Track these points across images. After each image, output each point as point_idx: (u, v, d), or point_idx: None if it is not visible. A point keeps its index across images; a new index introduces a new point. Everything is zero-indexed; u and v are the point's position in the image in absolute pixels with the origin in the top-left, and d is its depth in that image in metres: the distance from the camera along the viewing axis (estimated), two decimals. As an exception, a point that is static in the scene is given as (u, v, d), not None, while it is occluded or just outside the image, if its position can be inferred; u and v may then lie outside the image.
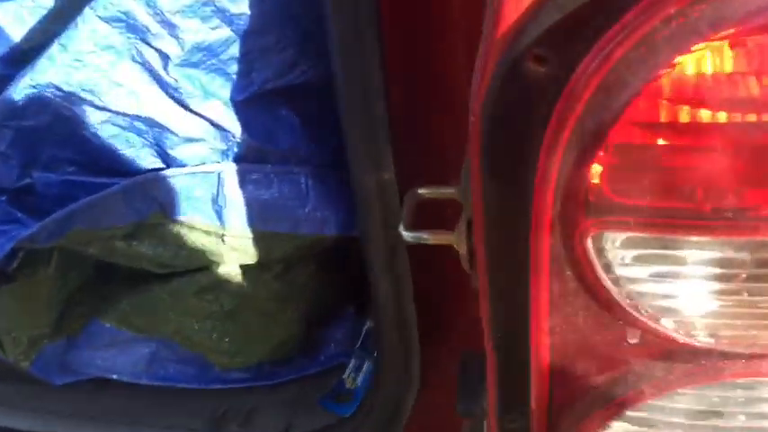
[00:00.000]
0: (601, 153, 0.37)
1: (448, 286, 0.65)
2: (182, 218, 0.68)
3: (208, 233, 0.68)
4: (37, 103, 0.60)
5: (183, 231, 0.69)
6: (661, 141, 0.35)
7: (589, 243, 0.40)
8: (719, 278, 0.39)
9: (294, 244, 0.69)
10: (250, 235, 0.68)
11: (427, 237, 0.53)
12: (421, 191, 0.55)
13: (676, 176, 0.36)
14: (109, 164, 0.66)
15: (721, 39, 0.32)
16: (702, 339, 0.42)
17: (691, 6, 0.32)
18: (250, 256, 0.70)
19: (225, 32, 0.58)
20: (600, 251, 0.40)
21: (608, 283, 0.41)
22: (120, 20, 0.57)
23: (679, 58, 0.33)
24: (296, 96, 0.64)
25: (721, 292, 0.39)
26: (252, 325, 0.77)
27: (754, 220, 0.36)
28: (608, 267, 0.40)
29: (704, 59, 0.33)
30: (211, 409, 0.82)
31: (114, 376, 0.79)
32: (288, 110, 0.65)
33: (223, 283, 0.73)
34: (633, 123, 0.35)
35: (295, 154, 0.66)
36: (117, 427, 0.82)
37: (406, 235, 0.53)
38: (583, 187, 0.38)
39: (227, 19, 0.58)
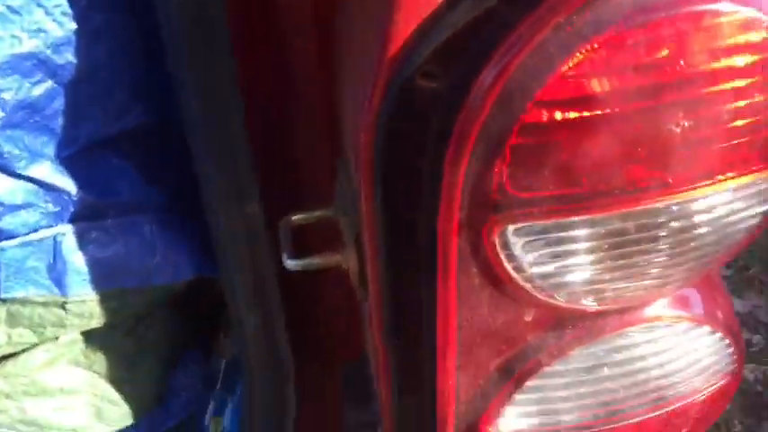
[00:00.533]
0: (503, 156, 0.40)
1: (319, 308, 0.65)
2: (13, 294, 0.60)
3: (46, 304, 0.62)
4: None
5: (14, 309, 0.61)
6: (555, 139, 0.39)
7: (496, 238, 0.43)
8: (608, 248, 0.44)
9: (146, 298, 0.65)
10: (96, 297, 0.63)
11: (316, 262, 0.53)
12: (294, 217, 0.55)
13: (568, 167, 0.40)
14: None
15: (603, 40, 0.36)
16: (589, 304, 0.48)
17: (576, 14, 0.36)
18: (97, 319, 0.65)
19: (48, 85, 0.53)
20: (505, 244, 0.43)
21: (512, 272, 0.45)
22: None
23: (569, 62, 0.37)
24: (129, 143, 0.60)
25: (608, 260, 0.45)
26: (101, 394, 0.71)
27: (634, 192, 0.41)
28: (511, 257, 0.44)
29: (589, 61, 0.38)
30: None
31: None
32: (122, 158, 0.60)
33: (67, 351, 0.66)
34: (530, 125, 0.39)
35: (135, 204, 0.62)
36: None
37: (292, 264, 0.53)
38: (489, 188, 0.41)
39: (50, 71, 0.53)
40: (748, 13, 0.38)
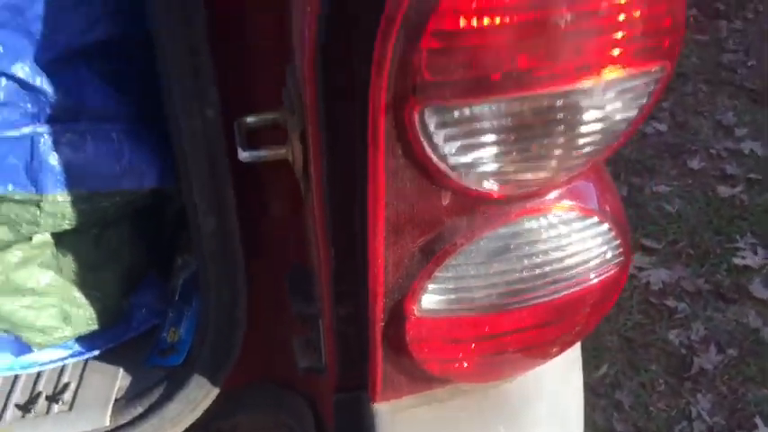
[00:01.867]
0: (421, 43, 0.48)
1: (270, 217, 0.73)
2: None
3: (22, 203, 0.68)
4: None
5: None
6: (462, 30, 0.48)
7: (416, 117, 0.51)
8: (507, 132, 0.52)
9: (113, 202, 0.72)
10: (69, 198, 0.70)
11: (264, 154, 0.61)
12: (248, 119, 0.63)
13: (473, 56, 0.49)
14: None
15: None
16: (493, 188, 0.56)
17: None
18: (68, 220, 0.71)
19: None
20: (423, 124, 0.52)
21: (428, 150, 0.53)
22: None
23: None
24: (101, 54, 0.67)
25: (508, 143, 0.53)
26: (69, 297, 0.77)
27: (528, 80, 0.50)
28: (429, 138, 0.52)
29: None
30: (17, 392, 0.80)
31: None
32: (95, 68, 0.67)
33: (39, 253, 0.73)
34: (444, 13, 0.47)
35: (106, 111, 0.69)
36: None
37: (245, 155, 0.61)
38: (410, 71, 0.49)
39: None
40: None
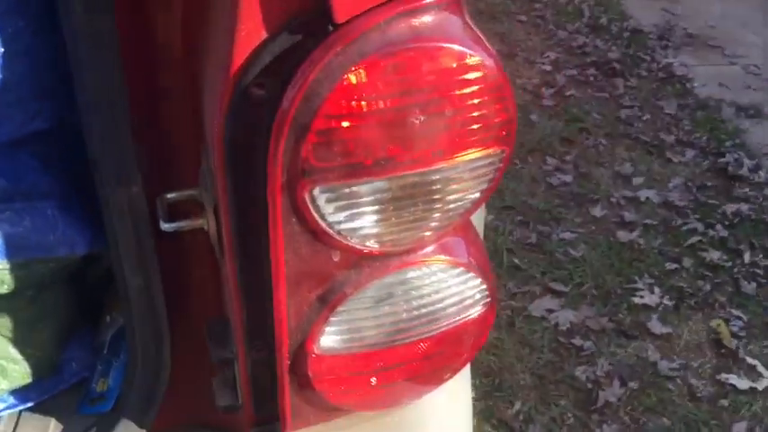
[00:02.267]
0: (307, 138, 0.62)
1: (189, 277, 0.85)
2: None
3: None
4: None
5: None
6: (339, 127, 0.61)
7: (306, 196, 0.65)
8: (383, 203, 0.66)
9: (48, 267, 0.82)
10: (8, 265, 0.80)
11: (183, 224, 0.73)
12: (168, 195, 0.75)
13: (349, 147, 0.62)
14: None
15: (366, 62, 0.59)
16: (374, 246, 0.70)
17: (348, 46, 0.59)
18: (7, 285, 0.81)
19: None
20: (313, 200, 0.65)
21: (319, 221, 0.66)
22: None
23: (349, 76, 0.59)
24: (37, 141, 0.78)
25: (385, 212, 0.67)
26: (5, 354, 0.87)
27: (394, 164, 0.64)
28: (318, 210, 0.66)
29: (360, 76, 0.60)
30: None
31: None
32: (30, 153, 0.78)
33: None
34: (324, 116, 0.61)
35: (39, 190, 0.80)
36: None
37: (167, 226, 0.73)
38: (299, 160, 0.62)
39: None
40: (458, 48, 0.62)
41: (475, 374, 2.16)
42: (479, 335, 0.81)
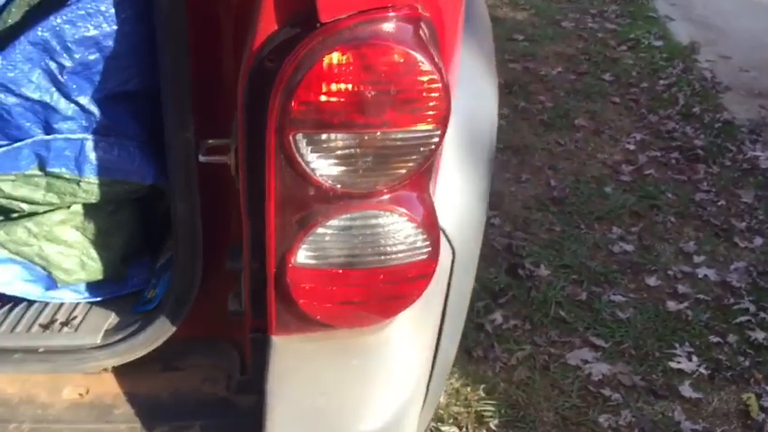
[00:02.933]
0: (294, 97, 0.93)
1: (218, 209, 1.17)
2: (53, 169, 1.13)
3: (69, 180, 1.13)
4: None
5: (51, 179, 1.13)
6: (318, 91, 0.92)
7: (291, 139, 0.95)
8: (344, 153, 0.95)
9: (124, 189, 1.17)
10: (97, 181, 1.15)
11: (214, 159, 1.05)
12: (210, 141, 1.08)
13: (323, 106, 0.93)
14: (10, 132, 1.09)
15: (338, 50, 0.90)
16: (338, 187, 0.98)
17: (326, 38, 0.90)
18: (95, 196, 1.16)
19: (97, 56, 1.08)
20: (295, 143, 0.95)
21: (300, 161, 0.96)
22: (38, 43, 1.04)
23: (325, 59, 0.90)
24: (130, 98, 1.14)
25: (347, 162, 0.96)
26: (88, 250, 1.21)
27: (354, 125, 0.94)
28: (299, 151, 0.96)
29: (333, 59, 0.91)
30: (43, 315, 1.23)
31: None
32: (125, 105, 1.14)
33: (74, 217, 1.18)
34: (305, 84, 0.92)
35: (127, 132, 1.15)
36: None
37: (202, 159, 1.05)
38: (288, 111, 0.93)
39: (99, 47, 1.07)
40: (403, 48, 0.92)
41: (501, 405, 2.37)
42: (422, 277, 1.08)
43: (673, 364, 2.56)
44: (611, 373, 2.52)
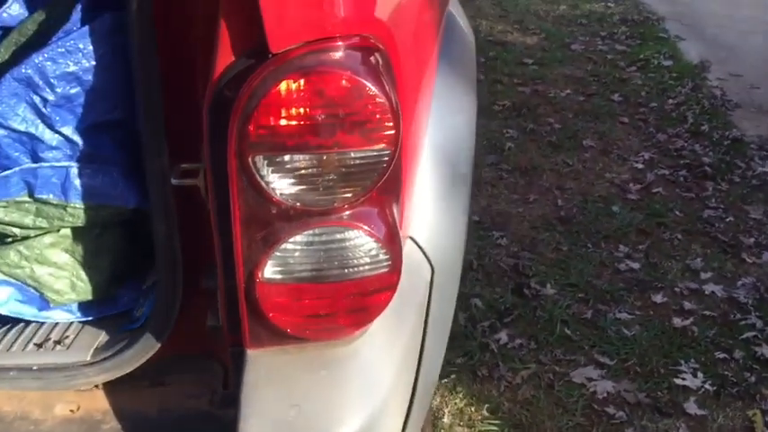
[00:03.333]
0: (251, 122, 1.00)
1: (196, 230, 1.24)
2: (40, 196, 1.21)
3: (56, 206, 1.22)
4: None
5: (39, 205, 1.22)
6: (271, 116, 0.99)
7: (250, 161, 1.02)
8: (300, 173, 1.02)
9: (107, 212, 1.25)
10: (82, 206, 1.23)
11: (186, 181, 1.12)
12: (183, 165, 1.15)
13: (278, 130, 1.00)
14: (1, 160, 1.18)
15: (288, 78, 0.97)
16: (297, 205, 1.05)
17: (278, 67, 0.97)
18: (81, 220, 1.24)
19: (78, 89, 1.17)
20: (254, 165, 1.02)
21: (260, 181, 1.03)
22: (22, 79, 1.13)
23: (277, 87, 0.98)
24: (112, 126, 1.22)
25: (306, 181, 1.03)
26: (78, 272, 1.29)
27: (308, 146, 1.01)
28: (258, 172, 1.03)
29: (285, 86, 0.98)
30: (38, 335, 1.31)
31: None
32: (107, 133, 1.23)
33: (63, 240, 1.26)
34: (259, 110, 0.99)
35: (110, 159, 1.23)
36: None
37: (175, 182, 1.13)
38: (246, 135, 1.00)
39: (80, 81, 1.16)
40: (350, 74, 0.99)
41: (505, 424, 2.40)
42: (385, 289, 1.13)
43: (678, 381, 2.56)
44: (616, 391, 2.53)
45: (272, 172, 1.02)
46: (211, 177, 1.07)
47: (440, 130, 1.50)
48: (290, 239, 1.08)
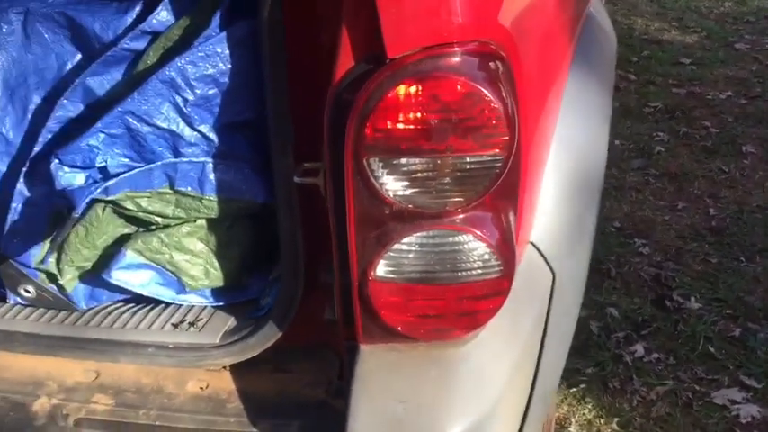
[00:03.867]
0: (368, 124, 1.04)
1: (318, 226, 1.29)
2: (180, 188, 1.32)
3: (193, 197, 1.32)
4: (118, 123, 1.25)
5: (179, 196, 1.32)
6: (387, 120, 1.02)
7: (365, 162, 1.06)
8: (414, 176, 1.05)
9: (238, 205, 1.34)
10: (216, 199, 1.32)
11: (308, 180, 1.18)
12: (306, 164, 1.21)
13: (393, 133, 1.03)
14: (145, 155, 1.30)
15: (409, 83, 1.00)
16: (410, 207, 1.08)
17: (394, 72, 1.00)
18: (215, 212, 1.34)
19: (215, 91, 1.26)
20: (369, 166, 1.06)
21: (374, 182, 1.07)
22: (166, 81, 1.24)
23: (393, 91, 1.01)
24: (245, 126, 1.31)
25: (419, 184, 1.05)
26: (211, 260, 1.39)
27: (421, 150, 1.03)
28: (373, 174, 1.06)
29: (401, 91, 1.01)
30: (175, 316, 1.42)
31: (127, 287, 1.38)
32: (240, 132, 1.31)
33: (199, 230, 1.36)
34: (375, 113, 1.02)
35: (242, 156, 1.32)
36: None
37: (298, 180, 1.19)
38: (363, 137, 1.04)
39: (217, 84, 1.25)
40: (464, 80, 1.00)
41: (638, 438, 2.31)
42: (495, 295, 1.14)
43: (834, 412, 2.37)
44: (762, 416, 2.38)
45: (387, 174, 1.05)
46: (330, 177, 1.12)
47: (568, 135, 1.48)
48: (403, 240, 1.11)
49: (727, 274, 2.93)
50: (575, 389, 2.46)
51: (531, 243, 1.42)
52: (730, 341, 2.63)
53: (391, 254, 1.12)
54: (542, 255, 1.43)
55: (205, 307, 1.44)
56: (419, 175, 1.05)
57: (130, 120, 1.25)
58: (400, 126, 1.02)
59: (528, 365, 1.37)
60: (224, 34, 1.22)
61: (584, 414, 2.41)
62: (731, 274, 2.93)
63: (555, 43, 1.50)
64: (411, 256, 1.12)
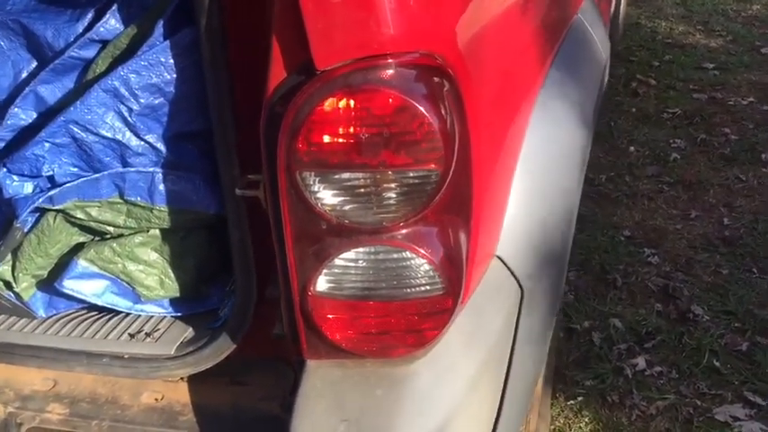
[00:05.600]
0: (298, 138, 1.00)
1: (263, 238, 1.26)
2: (129, 198, 1.29)
3: (144, 207, 1.30)
4: (63, 132, 1.23)
5: (129, 206, 1.30)
6: (317, 133, 0.99)
7: (298, 176, 1.02)
8: (345, 190, 1.01)
9: (190, 216, 1.31)
10: (167, 209, 1.30)
11: (249, 192, 1.14)
12: (250, 176, 1.18)
13: (323, 147, 0.99)
14: (93, 165, 1.28)
15: (339, 96, 0.96)
16: (346, 222, 1.04)
17: (324, 84, 0.97)
18: (167, 222, 1.32)
19: (161, 100, 1.23)
20: (303, 180, 1.02)
21: (308, 197, 1.03)
22: (110, 90, 1.22)
23: (323, 104, 0.97)
24: (193, 136, 1.28)
25: (347, 197, 1.02)
26: (166, 270, 1.37)
27: (352, 165, 0.99)
28: (307, 188, 1.03)
29: (330, 104, 0.97)
30: (133, 326, 1.40)
31: (80, 297, 1.37)
32: (190, 142, 1.29)
33: (152, 240, 1.34)
34: (305, 126, 0.99)
35: (192, 167, 1.29)
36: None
37: (239, 192, 1.16)
38: (294, 150, 1.01)
39: (163, 93, 1.23)
40: (395, 92, 0.96)
41: (637, 456, 2.24)
42: (439, 313, 1.10)
43: (842, 433, 2.27)
44: (764, 435, 2.29)
45: (322, 188, 1.02)
46: (268, 190, 1.09)
47: (538, 148, 1.43)
48: (341, 255, 1.07)
49: (738, 285, 2.83)
50: (572, 401, 2.40)
51: (498, 257, 1.37)
52: (736, 355, 2.55)
53: (330, 269, 1.08)
54: (510, 270, 1.38)
55: (164, 317, 1.41)
56: (354, 189, 1.01)
57: (75, 129, 1.23)
58: (332, 140, 0.99)
59: (489, 389, 1.32)
60: (168, 43, 1.19)
61: (580, 428, 2.35)
62: (742, 285, 2.83)
63: (528, 52, 1.45)
64: (351, 271, 1.08)
